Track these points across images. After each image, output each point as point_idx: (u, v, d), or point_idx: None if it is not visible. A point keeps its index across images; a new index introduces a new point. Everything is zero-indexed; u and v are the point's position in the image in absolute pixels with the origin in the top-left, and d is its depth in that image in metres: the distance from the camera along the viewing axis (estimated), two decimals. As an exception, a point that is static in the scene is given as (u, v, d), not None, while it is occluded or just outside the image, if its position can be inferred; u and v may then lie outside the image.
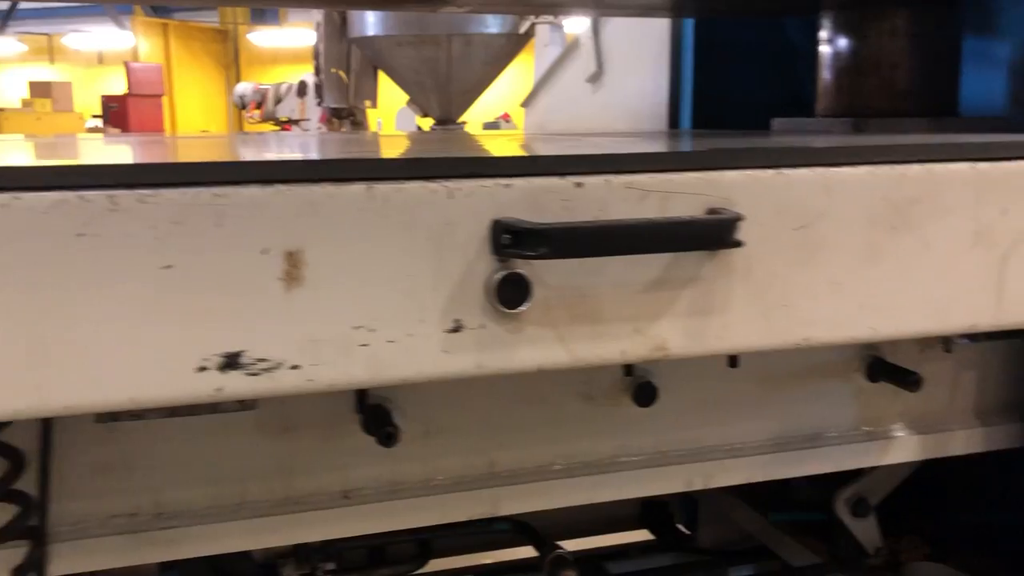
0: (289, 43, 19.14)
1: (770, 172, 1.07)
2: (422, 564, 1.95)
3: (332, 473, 1.39)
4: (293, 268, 0.92)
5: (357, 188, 0.94)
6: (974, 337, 1.54)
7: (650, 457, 1.54)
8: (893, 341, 1.52)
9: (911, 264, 1.13)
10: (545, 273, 1.00)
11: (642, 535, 2.79)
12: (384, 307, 0.95)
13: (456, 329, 0.98)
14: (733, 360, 1.42)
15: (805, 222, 1.08)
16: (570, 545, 1.90)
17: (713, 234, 1.01)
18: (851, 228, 1.10)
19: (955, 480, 2.22)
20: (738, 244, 1.01)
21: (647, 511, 2.90)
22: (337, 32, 7.03)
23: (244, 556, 1.71)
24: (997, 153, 1.15)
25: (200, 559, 1.64)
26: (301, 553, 1.74)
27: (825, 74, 2.06)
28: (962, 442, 1.71)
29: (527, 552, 2.03)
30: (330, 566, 1.77)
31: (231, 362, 0.91)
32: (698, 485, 1.56)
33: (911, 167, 1.12)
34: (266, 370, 0.93)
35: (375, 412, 1.33)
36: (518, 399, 1.47)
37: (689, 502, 2.86)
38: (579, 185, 1.01)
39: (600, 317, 1.04)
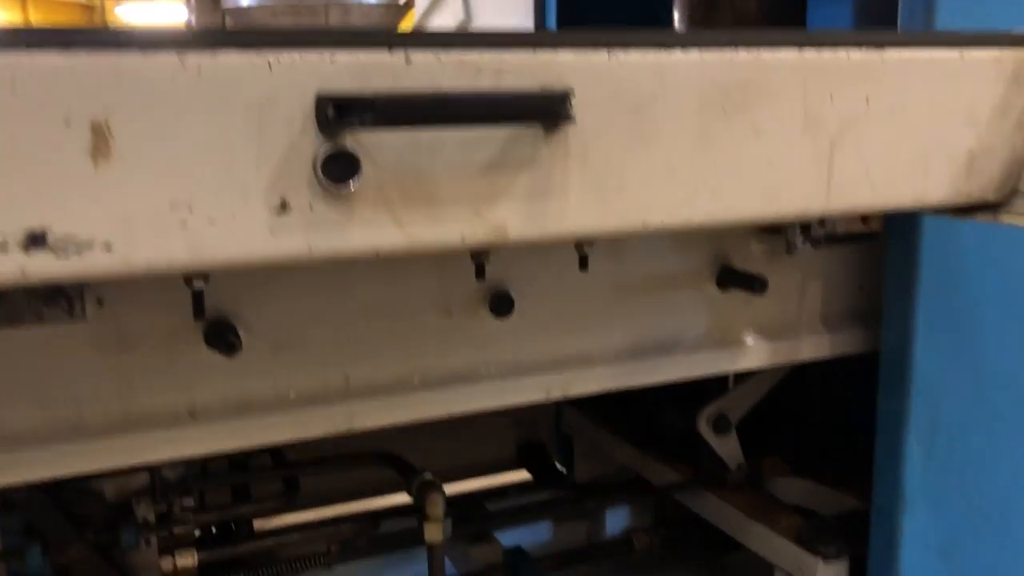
0: (160, 18, 18.35)
1: (603, 53, 1.07)
2: (290, 502, 1.91)
3: (176, 391, 1.34)
4: (100, 141, 0.87)
5: (167, 58, 0.89)
6: (815, 242, 1.59)
7: (508, 369, 1.55)
8: (736, 239, 1.56)
9: (743, 148, 1.15)
10: (375, 150, 0.97)
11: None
12: (203, 184, 0.91)
13: (283, 208, 0.95)
14: (583, 262, 1.43)
15: (639, 105, 1.09)
16: (449, 489, 1.90)
17: (545, 107, 1.00)
18: (684, 112, 1.12)
19: (811, 403, 2.32)
20: (570, 118, 1.00)
21: (524, 451, 2.93)
22: (210, 5, 6.78)
23: (94, 495, 1.64)
24: (824, 41, 1.19)
25: (46, 501, 1.57)
26: (158, 489, 1.68)
27: (679, 8, 2.12)
28: (811, 348, 1.78)
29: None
30: (188, 502, 1.71)
31: (36, 240, 0.86)
32: (556, 395, 1.57)
33: (740, 52, 1.13)
34: (76, 250, 0.88)
35: (216, 325, 1.29)
36: (372, 312, 1.45)
37: (565, 441, 2.90)
38: (409, 61, 0.98)
39: (437, 199, 1.02)
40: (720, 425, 2.14)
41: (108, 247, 0.89)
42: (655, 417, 2.52)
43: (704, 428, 2.15)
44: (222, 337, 1.30)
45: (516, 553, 2.28)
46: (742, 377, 2.19)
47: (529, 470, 2.89)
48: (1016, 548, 1.59)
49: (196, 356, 1.33)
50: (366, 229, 0.99)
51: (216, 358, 1.34)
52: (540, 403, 1.56)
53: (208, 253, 0.93)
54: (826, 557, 1.87)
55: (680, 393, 2.53)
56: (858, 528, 1.95)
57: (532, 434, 2.97)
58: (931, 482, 1.72)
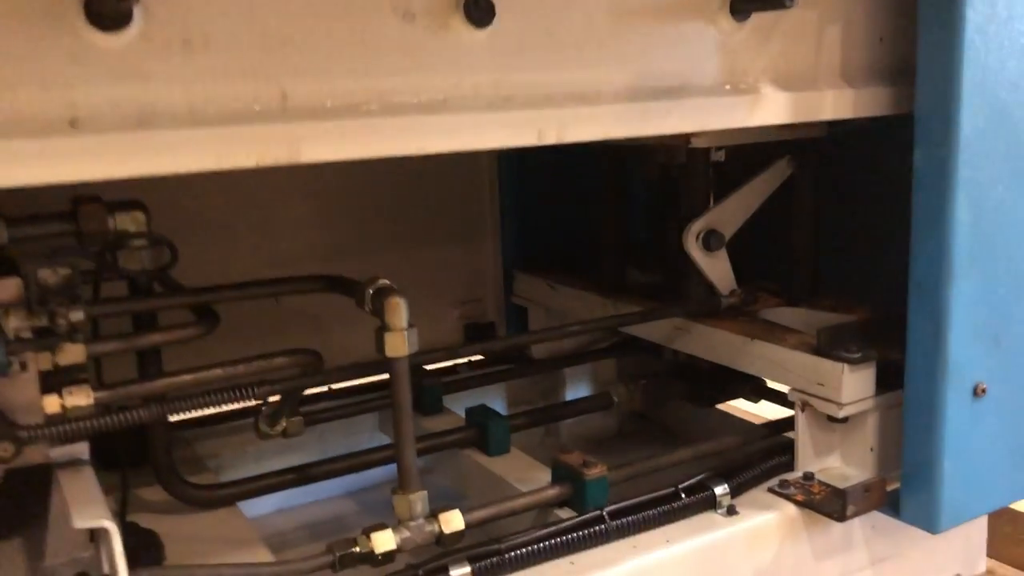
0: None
1: None
2: (206, 330, 1.53)
3: (49, 88, 0.96)
4: None
5: None
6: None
7: (490, 98, 1.22)
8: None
9: None
10: None
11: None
12: None
13: None
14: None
15: None
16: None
17: None
18: None
19: (801, 230, 2.06)
20: None
21: (472, 333, 2.61)
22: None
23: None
24: None
25: None
26: (34, 298, 1.29)
27: None
28: (833, 105, 1.51)
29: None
30: (77, 316, 1.33)
31: None
32: (551, 137, 1.26)
33: None
34: None
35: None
36: (315, 10, 1.10)
37: (517, 317, 2.59)
38: None
39: None
40: (711, 241, 1.86)
41: None
42: (628, 266, 2.23)
43: (692, 245, 1.87)
44: (109, 7, 0.94)
45: (480, 411, 1.96)
46: (728, 193, 1.92)
47: (482, 353, 2.58)
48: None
49: (75, 39, 0.96)
50: None
51: (103, 44, 0.97)
52: (530, 144, 1.23)
53: None
54: (851, 362, 1.61)
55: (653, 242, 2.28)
56: (880, 332, 1.70)
57: (479, 313, 2.65)
58: (979, 251, 1.47)
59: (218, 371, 1.48)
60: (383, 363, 1.46)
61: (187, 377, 1.46)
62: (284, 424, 1.94)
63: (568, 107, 1.26)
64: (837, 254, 2.11)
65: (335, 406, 2.12)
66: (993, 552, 2.11)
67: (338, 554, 1.42)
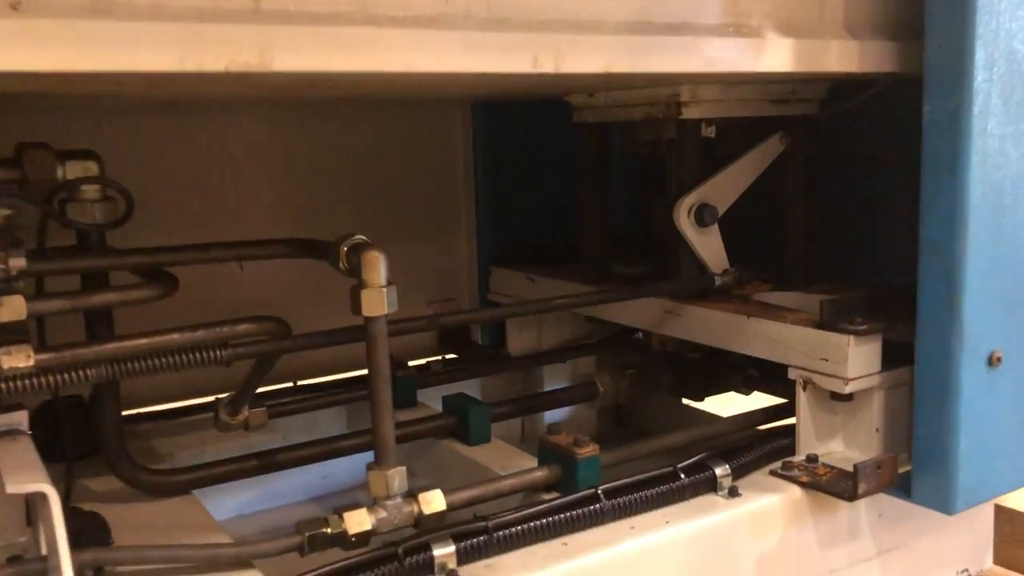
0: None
1: None
2: (162, 292, 1.40)
3: (-12, -36, 0.84)
4: None
5: None
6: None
7: (484, 20, 1.12)
8: None
9: None
10: None
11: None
12: None
13: None
14: None
15: None
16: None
17: None
18: None
19: (790, 217, 1.98)
20: None
21: (445, 336, 2.49)
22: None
23: None
24: None
25: None
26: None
27: None
28: (839, 57, 1.44)
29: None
30: (17, 263, 1.19)
31: None
32: (547, 66, 1.15)
33: None
34: None
35: None
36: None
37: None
38: None
39: None
40: (703, 215, 1.77)
41: None
42: (612, 258, 2.13)
43: (684, 220, 1.78)
44: None
45: (458, 399, 1.83)
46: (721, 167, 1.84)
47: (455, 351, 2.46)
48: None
49: (17, -94, 0.85)
50: None
51: (52, -85, 0.86)
52: (526, 74, 1.13)
53: None
54: (857, 333, 1.51)
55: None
56: (886, 306, 1.62)
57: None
58: (994, 209, 1.39)
59: (175, 336, 1.35)
60: (358, 328, 1.33)
61: (141, 341, 1.32)
62: (246, 414, 1.81)
63: (567, 34, 1.17)
64: (831, 238, 2.03)
65: (301, 399, 1.98)
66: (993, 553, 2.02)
67: (307, 534, 1.28)
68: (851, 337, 1.51)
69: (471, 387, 2.20)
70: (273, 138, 2.14)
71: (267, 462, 1.62)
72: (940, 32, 1.37)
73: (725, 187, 1.81)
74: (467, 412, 1.77)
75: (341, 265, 1.36)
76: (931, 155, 1.40)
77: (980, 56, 1.34)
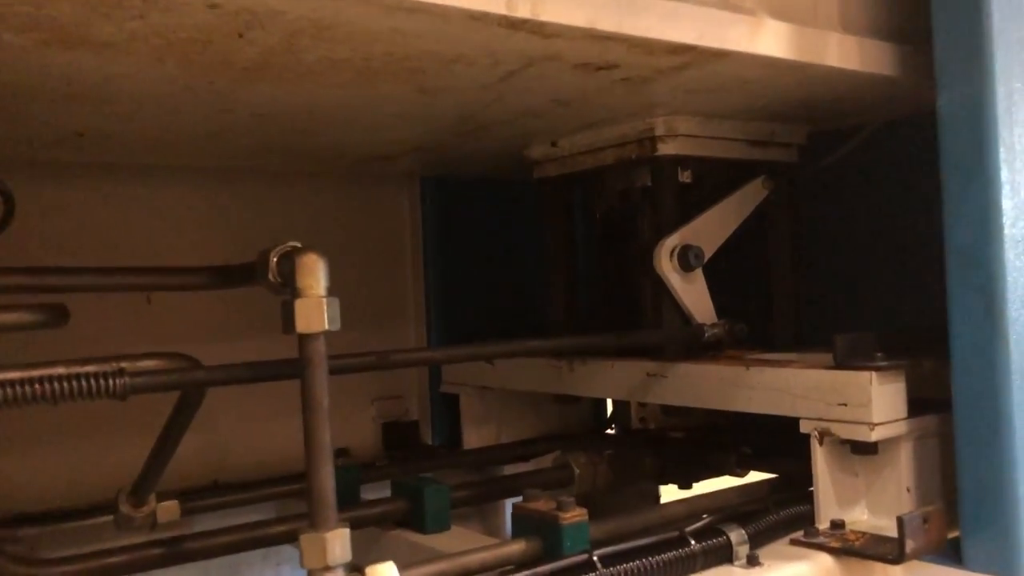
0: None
1: None
2: (47, 320, 1.12)
3: None
4: None
5: None
6: None
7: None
8: None
9: None
10: None
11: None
12: None
13: None
14: None
15: None
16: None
17: None
18: None
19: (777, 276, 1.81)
20: None
21: (391, 434, 2.22)
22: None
23: None
24: None
25: None
26: None
27: None
28: (836, 50, 1.29)
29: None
30: None
31: None
32: (523, 11, 0.97)
33: None
34: None
35: None
36: None
37: (445, 411, 2.21)
38: None
39: None
40: (688, 257, 1.57)
41: None
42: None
43: (665, 265, 1.57)
44: None
45: (411, 480, 1.54)
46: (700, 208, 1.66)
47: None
48: None
49: None
50: None
51: None
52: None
53: None
54: (880, 369, 1.30)
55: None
56: (903, 343, 1.41)
57: (400, 411, 2.26)
58: (1025, 212, 1.22)
59: (60, 369, 1.07)
60: (290, 362, 1.07)
61: (13, 374, 1.04)
62: (153, 506, 1.50)
63: (542, -19, 0.99)
64: (821, 300, 1.85)
65: (222, 494, 1.67)
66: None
67: (218, 618, 0.97)
68: (873, 374, 1.29)
69: (424, 483, 1.91)
70: (206, 208, 1.92)
71: (172, 552, 1.29)
72: (946, 10, 1.23)
73: (708, 231, 1.63)
74: (421, 493, 1.48)
75: (271, 277, 1.11)
76: (950, 152, 1.23)
77: (1000, 32, 1.20)
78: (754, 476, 1.76)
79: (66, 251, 1.70)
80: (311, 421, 1.05)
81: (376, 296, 2.20)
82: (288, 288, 1.07)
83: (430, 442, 2.24)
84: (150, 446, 1.29)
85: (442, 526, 1.48)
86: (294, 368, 1.07)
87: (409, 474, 1.83)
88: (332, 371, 1.12)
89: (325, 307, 1.05)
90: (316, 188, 2.09)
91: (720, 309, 1.66)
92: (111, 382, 1.03)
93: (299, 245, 1.10)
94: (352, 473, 1.73)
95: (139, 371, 1.09)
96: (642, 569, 1.12)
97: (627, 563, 1.11)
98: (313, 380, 1.05)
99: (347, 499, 1.68)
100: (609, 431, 2.20)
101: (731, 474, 1.78)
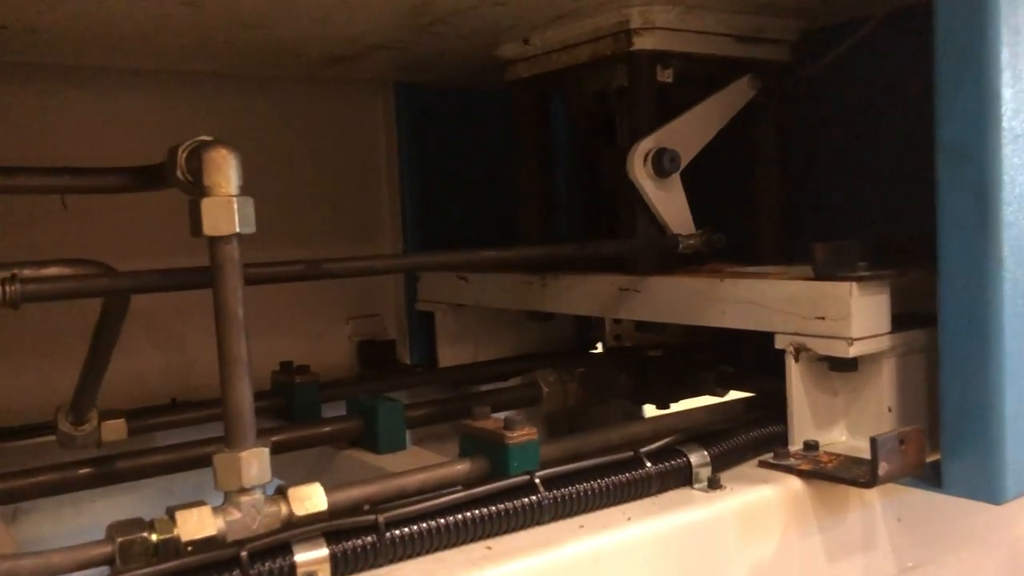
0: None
1: None
2: None
3: None
4: None
5: None
6: None
7: None
8: None
9: None
10: None
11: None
12: None
13: None
14: None
15: None
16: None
17: None
18: None
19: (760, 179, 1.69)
20: None
21: (365, 352, 2.14)
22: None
23: None
24: None
25: None
26: None
27: None
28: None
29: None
30: None
31: None
32: None
33: None
34: None
35: None
36: None
37: (421, 330, 2.12)
38: None
39: None
40: (662, 162, 1.45)
41: None
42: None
43: (639, 170, 1.45)
44: None
45: (364, 400, 1.46)
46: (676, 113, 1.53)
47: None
48: None
49: None
50: None
51: None
52: None
53: None
54: (861, 279, 1.19)
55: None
56: (890, 253, 1.30)
57: (377, 330, 2.18)
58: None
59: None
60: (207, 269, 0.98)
61: None
62: (94, 423, 1.43)
63: None
64: (812, 211, 1.73)
65: (177, 413, 1.60)
66: None
67: (120, 541, 0.90)
68: (854, 285, 1.19)
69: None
70: (163, 113, 1.81)
71: (102, 472, 1.22)
72: None
73: (687, 133, 1.51)
74: (375, 412, 1.40)
75: (180, 175, 1.01)
76: (945, 33, 1.10)
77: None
78: (736, 396, 1.67)
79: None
80: (224, 332, 0.96)
81: (351, 209, 2.11)
82: (197, 187, 0.97)
83: (408, 361, 2.17)
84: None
85: (396, 446, 1.40)
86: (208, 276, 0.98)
87: (376, 392, 1.75)
88: (251, 280, 1.03)
89: (236, 207, 0.95)
90: (285, 95, 1.97)
91: (703, 221, 1.55)
92: (3, 288, 0.94)
93: (209, 139, 1.00)
94: (310, 390, 1.65)
95: (38, 278, 0.99)
96: (589, 492, 1.04)
97: (572, 485, 1.03)
98: (225, 288, 0.96)
99: (306, 416, 1.63)
100: (595, 350, 2.12)
101: (711, 394, 1.69)
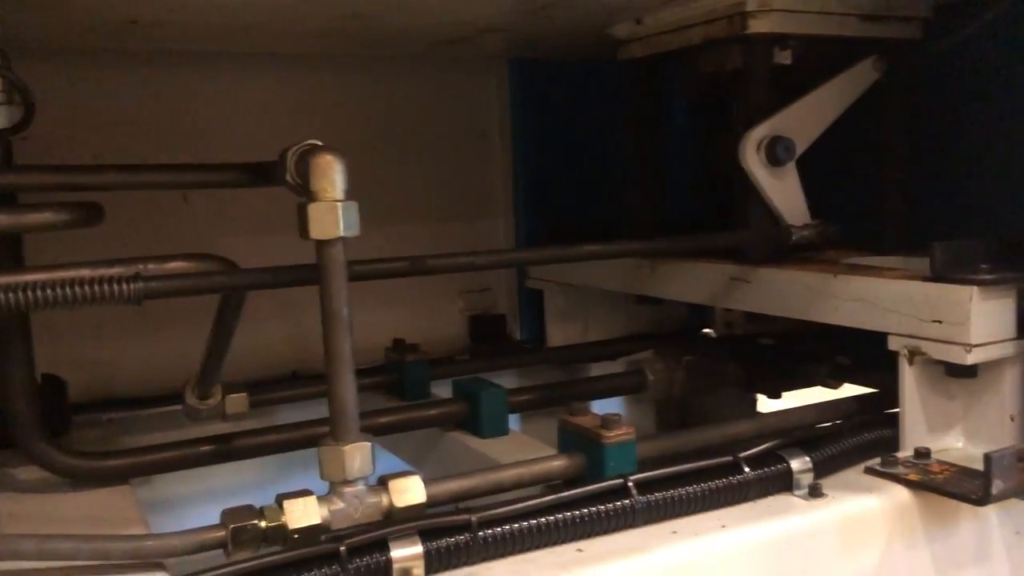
0: None
1: None
2: (80, 219, 1.11)
3: None
4: None
5: None
6: None
7: None
8: None
9: None
10: None
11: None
12: None
13: None
14: None
15: None
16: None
17: None
18: None
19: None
20: None
21: (478, 327, 2.17)
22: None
23: None
24: None
25: None
26: None
27: None
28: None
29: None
30: None
31: None
32: None
33: None
34: None
35: None
36: None
37: (531, 307, 2.14)
38: None
39: None
40: (776, 151, 1.41)
41: None
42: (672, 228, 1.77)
43: (752, 158, 1.42)
44: None
45: (470, 383, 1.50)
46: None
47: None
48: None
49: None
50: None
51: None
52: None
53: None
54: (983, 283, 1.13)
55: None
56: (1017, 254, 1.23)
57: (488, 304, 2.20)
58: None
59: (85, 271, 1.05)
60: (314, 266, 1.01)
61: (37, 275, 1.03)
62: (219, 398, 1.51)
63: None
64: (933, 198, 1.65)
65: (299, 386, 1.68)
66: None
67: (233, 527, 0.96)
68: (975, 289, 1.13)
69: (503, 377, 1.87)
70: (282, 96, 1.87)
71: (225, 449, 1.30)
72: None
73: (804, 119, 1.45)
74: (478, 397, 1.43)
75: (290, 178, 1.05)
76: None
77: None
78: (852, 390, 1.62)
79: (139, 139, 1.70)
80: (329, 330, 1.00)
81: (463, 185, 2.13)
82: (305, 190, 1.01)
83: (518, 337, 2.19)
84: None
85: (499, 431, 1.43)
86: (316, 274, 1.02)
87: (485, 371, 1.79)
88: (357, 277, 1.07)
89: (340, 212, 0.98)
90: (399, 72, 2.00)
91: (820, 210, 1.49)
92: (125, 287, 1.01)
93: (319, 143, 1.03)
94: (419, 369, 1.70)
95: (159, 274, 1.06)
96: (684, 497, 1.03)
97: (667, 491, 1.03)
98: (330, 288, 0.99)
99: (416, 395, 1.68)
100: (706, 332, 2.09)
101: (823, 385, 1.65)
